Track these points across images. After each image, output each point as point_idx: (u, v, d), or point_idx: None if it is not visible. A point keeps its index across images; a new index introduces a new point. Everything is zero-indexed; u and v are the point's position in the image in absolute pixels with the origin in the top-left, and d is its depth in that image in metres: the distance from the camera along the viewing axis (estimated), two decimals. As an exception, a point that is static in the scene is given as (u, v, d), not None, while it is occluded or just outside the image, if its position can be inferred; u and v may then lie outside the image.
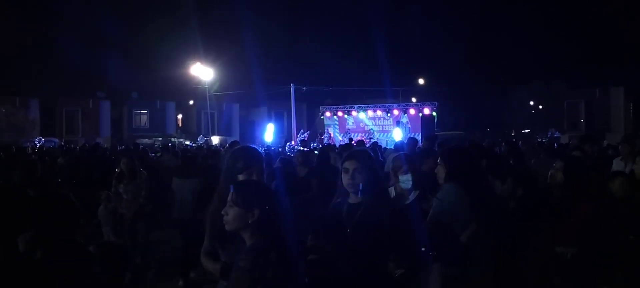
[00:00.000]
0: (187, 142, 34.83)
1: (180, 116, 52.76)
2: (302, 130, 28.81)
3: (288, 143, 23.00)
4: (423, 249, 3.39)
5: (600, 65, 51.44)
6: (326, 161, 8.09)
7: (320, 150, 10.07)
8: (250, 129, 47.54)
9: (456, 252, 3.58)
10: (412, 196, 4.16)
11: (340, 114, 28.26)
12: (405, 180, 4.15)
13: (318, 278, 3.16)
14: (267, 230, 2.75)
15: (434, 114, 26.28)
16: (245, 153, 3.34)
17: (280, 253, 2.69)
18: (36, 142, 28.03)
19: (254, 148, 3.58)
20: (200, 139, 32.03)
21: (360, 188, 3.22)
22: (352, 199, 3.28)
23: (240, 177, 3.07)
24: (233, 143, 11.25)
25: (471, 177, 3.82)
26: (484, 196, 3.97)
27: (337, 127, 28.42)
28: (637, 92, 46.26)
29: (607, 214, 4.12)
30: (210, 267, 3.07)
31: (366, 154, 3.46)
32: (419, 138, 16.20)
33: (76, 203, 2.55)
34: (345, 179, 3.26)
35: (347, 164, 3.28)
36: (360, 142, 12.98)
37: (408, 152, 7.42)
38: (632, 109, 47.56)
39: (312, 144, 20.40)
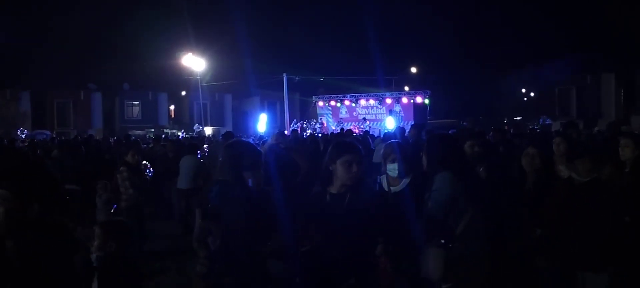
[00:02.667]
0: (180, 133, 34.75)
1: (172, 107, 52.55)
2: (295, 120, 28.84)
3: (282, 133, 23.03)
4: (443, 242, 3.48)
5: (591, 52, 51.61)
6: (317, 150, 8.15)
7: (312, 139, 10.11)
8: (243, 119, 47.48)
9: (446, 235, 3.67)
10: (403, 183, 4.21)
11: (333, 103, 28.29)
12: (392, 169, 4.18)
13: (312, 268, 3.22)
14: (222, 231, 2.82)
15: (427, 101, 26.37)
16: (250, 151, 3.29)
17: (243, 260, 2.72)
18: (21, 135, 27.81)
19: (254, 145, 3.60)
20: (196, 127, 32.08)
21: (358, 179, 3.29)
22: (334, 189, 3.33)
23: (246, 174, 3.09)
24: (227, 134, 11.27)
25: (461, 163, 3.93)
26: (475, 181, 4.09)
27: (330, 116, 28.46)
28: (628, 78, 46.50)
29: (581, 195, 4.20)
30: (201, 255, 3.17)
31: (358, 146, 3.54)
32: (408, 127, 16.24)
33: (54, 173, 2.56)
34: (347, 171, 3.28)
35: (348, 157, 3.30)
36: (349, 132, 13.03)
37: (400, 140, 7.49)
38: (623, 95, 47.81)
39: (303, 134, 20.42)
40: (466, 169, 4.14)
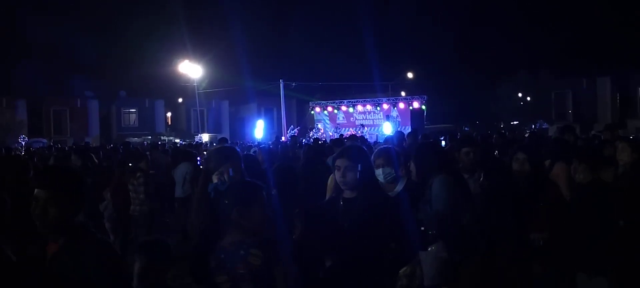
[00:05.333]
0: (177, 140, 34.73)
1: (169, 114, 52.53)
2: (292, 126, 28.84)
3: (279, 139, 23.01)
4: (418, 233, 3.50)
5: (587, 56, 51.88)
6: (313, 157, 8.12)
7: (307, 146, 10.08)
8: (240, 125, 47.49)
9: (464, 240, 3.70)
10: (397, 188, 4.22)
11: (330, 109, 28.35)
12: (378, 174, 4.17)
13: (311, 275, 3.22)
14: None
15: (423, 107, 26.44)
16: (217, 153, 3.22)
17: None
18: (21, 142, 27.77)
19: (229, 147, 3.44)
20: (198, 139, 32.23)
21: (351, 185, 3.27)
22: (347, 194, 3.33)
23: (214, 178, 2.95)
24: (221, 140, 11.27)
25: (455, 167, 4.02)
26: (467, 186, 4.15)
27: (327, 122, 28.49)
28: (624, 82, 46.72)
29: (576, 198, 4.25)
30: None
31: (357, 150, 3.50)
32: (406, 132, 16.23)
33: (83, 176, 2.55)
34: (337, 177, 3.31)
35: (338, 162, 3.32)
36: (353, 137, 13.01)
37: (397, 146, 7.49)
38: (619, 99, 48.02)
39: (302, 140, 20.42)
40: (459, 174, 4.22)
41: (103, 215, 7.71)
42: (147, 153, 14.04)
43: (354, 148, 3.59)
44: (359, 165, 3.28)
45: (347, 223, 3.23)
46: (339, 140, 10.79)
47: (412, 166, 4.14)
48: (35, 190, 2.34)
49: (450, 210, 3.74)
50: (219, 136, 22.61)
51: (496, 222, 4.23)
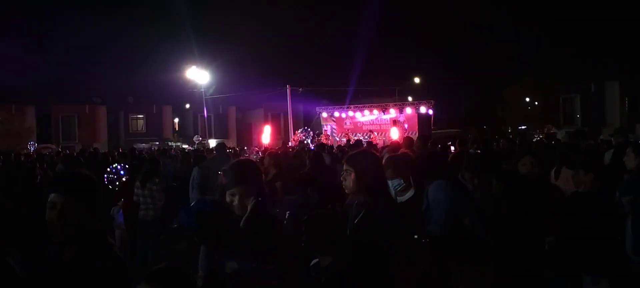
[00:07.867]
0: (185, 146, 34.84)
1: (176, 120, 52.74)
2: (299, 131, 28.78)
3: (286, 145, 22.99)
4: (416, 237, 3.51)
5: (595, 60, 51.65)
6: (320, 162, 8.13)
7: (313, 151, 10.06)
8: (247, 131, 47.56)
9: (467, 240, 3.70)
10: (409, 193, 4.21)
11: (337, 114, 28.31)
12: (394, 185, 4.13)
13: (323, 280, 3.21)
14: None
15: (430, 112, 26.35)
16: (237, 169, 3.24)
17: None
18: (30, 148, 27.95)
19: (248, 164, 3.39)
20: (196, 138, 32.14)
21: (351, 190, 3.28)
22: (359, 199, 3.33)
23: (227, 196, 3.04)
24: (219, 145, 11.45)
25: (450, 172, 4.07)
26: (468, 191, 4.16)
27: (334, 127, 28.47)
28: (632, 86, 46.43)
29: (577, 202, 4.26)
30: None
31: (361, 156, 3.49)
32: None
33: (95, 179, 2.50)
34: (343, 182, 3.34)
35: (342, 168, 3.38)
36: (358, 142, 12.98)
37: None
38: (628, 104, 47.70)
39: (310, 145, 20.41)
40: (456, 179, 4.23)
41: (113, 219, 7.82)
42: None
43: (355, 154, 3.59)
44: (358, 171, 3.28)
45: (350, 227, 3.24)
46: (353, 144, 10.77)
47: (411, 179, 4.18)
48: (51, 195, 2.30)
49: (450, 211, 3.74)
50: (228, 142, 22.62)
51: (508, 226, 4.22)
